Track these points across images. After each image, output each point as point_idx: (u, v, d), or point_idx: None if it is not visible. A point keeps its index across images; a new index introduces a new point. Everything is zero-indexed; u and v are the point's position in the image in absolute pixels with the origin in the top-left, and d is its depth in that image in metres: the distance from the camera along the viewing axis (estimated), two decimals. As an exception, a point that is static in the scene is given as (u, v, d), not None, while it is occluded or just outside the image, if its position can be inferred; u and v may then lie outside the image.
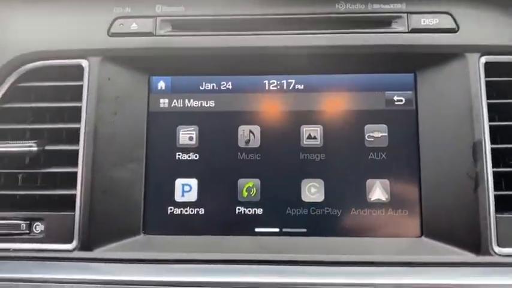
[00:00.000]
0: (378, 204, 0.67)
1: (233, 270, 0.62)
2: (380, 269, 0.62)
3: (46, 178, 0.69)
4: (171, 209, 0.68)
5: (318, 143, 0.69)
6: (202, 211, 0.68)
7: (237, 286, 0.60)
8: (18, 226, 0.67)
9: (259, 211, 0.68)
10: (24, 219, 0.67)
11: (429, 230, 0.65)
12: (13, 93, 0.70)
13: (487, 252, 0.62)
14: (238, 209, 0.68)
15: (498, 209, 0.63)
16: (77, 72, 0.69)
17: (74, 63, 0.69)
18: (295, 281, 0.60)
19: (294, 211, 0.68)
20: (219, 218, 0.68)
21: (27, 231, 0.67)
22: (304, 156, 0.69)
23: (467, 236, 0.63)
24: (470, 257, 0.62)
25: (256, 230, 0.68)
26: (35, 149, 0.67)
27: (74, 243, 0.65)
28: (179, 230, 0.68)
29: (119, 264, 0.64)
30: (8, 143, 0.68)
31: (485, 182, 0.63)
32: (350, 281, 0.60)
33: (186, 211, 0.68)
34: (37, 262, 0.65)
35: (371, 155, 0.68)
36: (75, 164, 0.67)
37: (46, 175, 0.69)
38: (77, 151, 0.67)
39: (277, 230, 0.68)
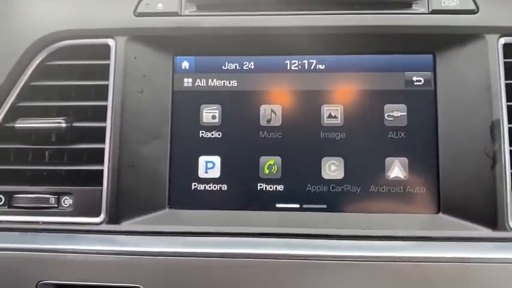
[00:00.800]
0: (397, 182, 0.69)
1: (253, 243, 0.64)
2: (398, 243, 0.64)
3: (73, 155, 0.71)
4: (195, 185, 0.70)
5: (339, 122, 0.70)
6: (225, 187, 0.70)
7: (257, 258, 0.62)
8: (47, 200, 0.69)
9: (280, 188, 0.70)
10: (53, 194, 0.69)
11: (447, 206, 0.67)
12: (41, 72, 0.72)
13: (504, 227, 0.64)
14: (260, 186, 0.70)
15: (515, 187, 0.65)
16: (103, 51, 0.71)
17: (101, 43, 0.71)
18: (315, 253, 0.62)
19: (314, 188, 0.70)
20: (241, 194, 0.70)
21: (56, 205, 0.69)
22: (324, 135, 0.70)
23: (484, 212, 0.65)
24: (486, 232, 0.64)
25: (277, 205, 0.70)
26: (63, 125, 0.69)
27: (102, 217, 0.67)
28: (203, 205, 0.70)
29: (144, 236, 0.66)
30: (37, 120, 0.70)
31: (503, 160, 0.65)
32: (369, 254, 0.62)
33: (210, 187, 0.70)
34: (66, 234, 0.67)
35: (390, 134, 0.69)
36: (102, 141, 0.69)
37: (73, 152, 0.71)
38: (104, 128, 0.69)
39: (297, 206, 0.70)
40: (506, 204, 0.64)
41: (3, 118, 0.71)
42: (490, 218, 0.64)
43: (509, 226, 0.64)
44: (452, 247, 0.63)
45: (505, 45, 0.68)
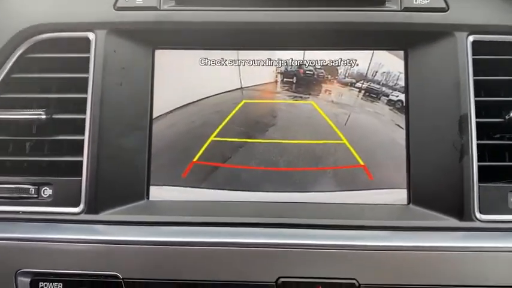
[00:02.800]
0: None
1: (230, 233, 0.66)
2: (370, 233, 0.66)
3: (53, 146, 0.72)
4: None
5: None
6: None
7: (234, 246, 0.64)
8: (27, 190, 0.70)
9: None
10: (33, 184, 0.70)
11: (416, 197, 0.69)
12: (21, 64, 0.73)
13: (470, 218, 0.66)
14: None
15: (481, 179, 0.67)
16: (84, 45, 0.72)
17: (81, 36, 0.72)
18: (290, 242, 0.64)
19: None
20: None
21: (36, 195, 0.70)
22: None
23: (451, 203, 0.67)
24: (454, 222, 0.67)
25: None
26: (43, 116, 0.70)
27: (81, 207, 0.69)
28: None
29: (122, 226, 0.67)
30: (18, 111, 0.71)
31: (470, 153, 0.67)
32: (342, 242, 0.64)
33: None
34: (45, 224, 0.68)
35: None
36: (82, 133, 0.70)
37: (53, 143, 0.72)
38: (83, 120, 0.70)
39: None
40: (473, 195, 0.67)
41: (-18, 110, 0.72)
42: (457, 208, 0.67)
43: (475, 216, 0.66)
44: (421, 236, 0.65)
45: (474, 43, 0.70)
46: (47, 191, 0.70)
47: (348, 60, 0.73)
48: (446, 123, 0.69)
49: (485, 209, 0.67)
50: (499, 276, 0.62)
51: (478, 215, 0.67)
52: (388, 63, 0.73)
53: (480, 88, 0.70)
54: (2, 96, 0.72)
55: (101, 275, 0.64)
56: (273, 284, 0.62)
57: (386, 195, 0.70)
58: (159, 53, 0.74)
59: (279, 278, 0.62)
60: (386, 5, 0.72)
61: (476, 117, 0.69)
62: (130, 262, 0.64)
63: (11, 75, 0.72)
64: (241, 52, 0.73)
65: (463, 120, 0.68)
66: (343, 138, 0.71)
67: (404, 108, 0.72)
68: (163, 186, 0.72)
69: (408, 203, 0.70)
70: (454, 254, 0.63)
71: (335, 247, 0.64)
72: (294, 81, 0.73)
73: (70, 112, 0.72)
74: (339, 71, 0.73)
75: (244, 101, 0.72)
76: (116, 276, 0.63)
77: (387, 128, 0.71)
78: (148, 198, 0.71)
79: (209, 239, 0.64)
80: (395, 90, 0.72)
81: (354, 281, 0.62)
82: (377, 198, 0.70)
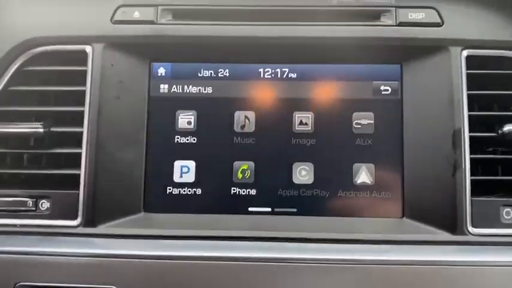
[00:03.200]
0: (363, 187, 0.72)
1: (226, 246, 0.67)
2: (364, 247, 0.67)
3: (50, 159, 0.73)
4: (170, 189, 0.73)
5: (309, 128, 0.73)
6: (199, 191, 0.73)
7: (230, 261, 0.65)
8: (24, 203, 0.70)
9: (253, 192, 0.72)
10: (30, 197, 0.71)
11: (410, 211, 0.70)
12: (19, 77, 0.73)
13: (462, 232, 0.67)
14: (233, 190, 0.73)
15: (474, 193, 0.68)
16: (81, 58, 0.72)
17: (78, 49, 0.72)
18: (285, 256, 0.65)
19: (285, 192, 0.72)
20: (215, 198, 0.73)
21: (33, 208, 0.71)
22: (295, 141, 0.73)
23: (444, 217, 0.68)
24: (447, 236, 0.68)
25: (250, 209, 0.72)
26: (41, 130, 0.71)
27: (79, 220, 0.69)
28: (177, 209, 0.72)
29: (120, 239, 0.68)
30: (15, 124, 0.71)
31: (463, 168, 0.68)
32: (336, 257, 0.65)
33: (184, 191, 0.73)
34: (43, 237, 0.69)
35: (358, 141, 0.72)
36: (79, 146, 0.71)
37: (50, 156, 0.72)
38: (81, 133, 0.71)
39: (269, 209, 0.72)
40: (465, 209, 0.68)
41: (-21, 124, 0.72)
42: (450, 222, 0.68)
43: (467, 230, 0.67)
44: (414, 250, 0.66)
45: (468, 57, 0.71)
46: (45, 204, 0.71)
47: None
48: (440, 138, 0.70)
49: (477, 222, 0.68)
50: (491, 291, 0.63)
51: (470, 228, 0.68)
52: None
53: (474, 102, 0.71)
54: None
55: (97, 288, 0.64)
56: (269, 299, 0.63)
57: (381, 208, 0.71)
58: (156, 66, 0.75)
59: (274, 293, 0.63)
60: (381, 19, 0.72)
61: (470, 131, 0.70)
62: (128, 276, 0.65)
63: (8, 88, 0.73)
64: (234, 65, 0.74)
65: (457, 135, 0.69)
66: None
67: (399, 123, 0.72)
68: (160, 199, 0.72)
69: (402, 217, 0.70)
70: (446, 268, 0.64)
71: (329, 261, 0.65)
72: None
73: (68, 125, 0.72)
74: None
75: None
76: (113, 290, 0.64)
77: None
78: (145, 211, 0.72)
79: (206, 253, 0.65)
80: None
81: (346, 294, 0.63)
82: (372, 211, 0.71)
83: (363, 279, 0.64)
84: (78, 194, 0.70)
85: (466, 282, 0.64)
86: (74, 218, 0.70)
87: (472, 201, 0.68)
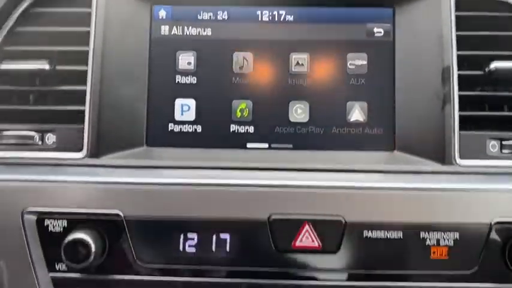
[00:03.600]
0: (356, 124, 0.75)
1: (225, 175, 0.70)
2: (358, 176, 0.70)
3: (56, 96, 0.75)
4: (171, 126, 0.76)
5: (305, 69, 0.76)
6: (199, 128, 0.76)
7: (228, 187, 0.67)
8: (31, 137, 0.73)
9: (251, 129, 0.76)
10: (37, 131, 0.74)
11: (401, 144, 0.73)
12: (25, 18, 0.76)
13: (451, 163, 0.71)
14: (232, 127, 0.76)
15: (462, 127, 0.71)
16: (85, 0, 0.75)
17: None
18: (282, 183, 0.68)
19: (281, 129, 0.76)
20: (215, 134, 0.76)
21: (40, 142, 0.74)
22: (292, 81, 0.76)
23: (434, 150, 0.72)
24: (436, 166, 0.71)
25: (248, 145, 0.75)
26: (47, 67, 0.73)
27: (84, 152, 0.72)
28: (178, 144, 0.75)
29: (123, 169, 0.71)
30: (22, 62, 0.74)
31: (452, 103, 0.71)
32: (330, 184, 0.68)
33: (185, 128, 0.76)
34: (49, 167, 0.72)
35: (352, 81, 0.76)
36: (84, 83, 0.74)
37: (56, 93, 0.75)
38: (85, 71, 0.74)
39: (266, 145, 0.75)
40: (454, 142, 0.71)
41: (-12, 62, 0.75)
42: (439, 154, 0.71)
43: (455, 161, 0.71)
44: (405, 178, 0.69)
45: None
46: (51, 138, 0.74)
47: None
48: (430, 76, 0.73)
49: (465, 154, 0.71)
50: (475, 214, 0.66)
51: (458, 160, 0.71)
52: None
53: (463, 43, 0.74)
54: (6, 48, 0.75)
55: (103, 214, 0.67)
56: (265, 220, 0.66)
57: (373, 142, 0.74)
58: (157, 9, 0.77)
59: (271, 215, 0.66)
60: (375, -38, 0.75)
61: (459, 70, 0.73)
62: (131, 201, 0.68)
63: (15, 29, 0.76)
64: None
65: (446, 72, 0.72)
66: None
67: (391, 62, 0.75)
68: (162, 135, 0.75)
69: (393, 150, 0.74)
70: (435, 194, 0.67)
71: (323, 187, 0.68)
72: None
73: (73, 64, 0.75)
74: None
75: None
76: (118, 215, 0.67)
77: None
78: (147, 145, 0.75)
79: (206, 180, 0.68)
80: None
81: (341, 218, 0.66)
82: (364, 146, 0.74)
83: (356, 205, 0.67)
84: (83, 128, 0.73)
85: (453, 206, 0.67)
86: (79, 150, 0.73)
87: (460, 135, 0.71)
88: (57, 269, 0.68)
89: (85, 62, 0.74)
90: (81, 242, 0.64)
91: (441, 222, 0.66)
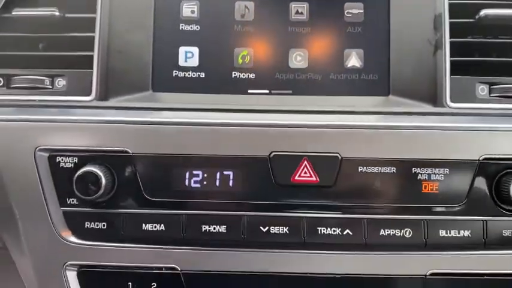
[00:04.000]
0: (353, 70, 0.78)
1: (227, 116, 0.73)
2: (354, 117, 0.74)
3: (65, 43, 0.78)
4: (175, 72, 0.79)
5: (304, 17, 0.79)
6: (202, 75, 0.79)
7: (230, 126, 0.71)
8: (42, 81, 0.77)
9: (252, 76, 0.79)
10: (47, 76, 0.77)
11: (395, 89, 0.77)
12: None
13: (442, 105, 0.75)
14: (234, 74, 0.79)
15: (453, 72, 0.75)
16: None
17: None
18: (282, 122, 0.71)
19: (281, 76, 0.79)
20: (218, 80, 0.79)
21: (50, 86, 0.77)
22: (292, 29, 0.79)
23: (426, 93, 0.75)
24: (428, 108, 0.75)
25: (249, 91, 0.79)
26: (57, 13, 0.76)
27: (92, 95, 0.76)
28: (183, 89, 0.78)
29: (130, 111, 0.75)
30: (32, 9, 0.77)
31: (443, 48, 0.75)
32: (328, 123, 0.71)
33: (189, 74, 0.79)
34: (60, 109, 0.75)
35: (349, 29, 0.79)
36: (93, 30, 0.77)
37: (65, 40, 0.78)
38: (94, 18, 0.77)
39: (267, 91, 0.79)
40: (445, 85, 0.75)
41: (1, 9, 0.78)
42: (431, 97, 0.75)
43: (446, 104, 0.74)
44: (399, 119, 0.73)
45: None
46: (61, 82, 0.77)
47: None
48: (423, 23, 0.77)
49: (455, 98, 0.75)
50: (464, 151, 0.70)
51: (449, 102, 0.75)
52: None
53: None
54: None
55: (112, 150, 0.71)
56: (266, 157, 0.70)
57: (369, 87, 0.78)
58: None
59: (272, 152, 0.70)
60: None
61: (450, 18, 0.76)
62: (139, 139, 0.71)
63: None
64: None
65: (438, 19, 0.76)
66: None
67: (386, 11, 0.78)
68: (167, 80, 0.79)
69: (388, 94, 0.77)
70: (426, 132, 0.71)
71: (321, 126, 0.71)
72: None
73: (81, 12, 0.78)
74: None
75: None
76: (126, 151, 0.71)
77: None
78: (153, 90, 0.78)
79: (210, 120, 0.72)
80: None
81: (337, 155, 0.70)
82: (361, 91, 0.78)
83: (352, 142, 0.71)
84: (92, 72, 0.76)
85: (444, 144, 0.71)
86: (88, 94, 0.76)
87: (451, 79, 0.75)
88: (69, 203, 0.71)
89: (93, 10, 0.77)
90: (92, 175, 0.68)
91: (432, 159, 0.70)
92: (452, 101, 0.75)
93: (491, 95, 0.76)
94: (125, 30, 0.78)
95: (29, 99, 0.76)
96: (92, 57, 0.76)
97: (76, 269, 0.72)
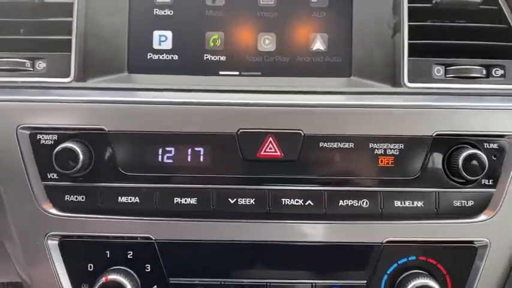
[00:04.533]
0: (318, 53, 0.83)
1: (199, 96, 0.78)
2: (317, 96, 0.78)
3: (45, 27, 0.82)
4: (150, 55, 0.83)
5: (272, 3, 0.84)
6: (176, 57, 0.84)
7: (201, 105, 0.76)
8: (23, 63, 0.81)
9: (223, 58, 0.84)
10: (28, 59, 0.81)
11: (357, 70, 0.82)
12: None
13: (400, 85, 0.80)
14: (206, 56, 0.84)
15: (411, 54, 0.80)
16: None
17: None
18: (249, 102, 0.76)
19: (251, 58, 0.84)
20: (190, 63, 0.84)
21: (31, 69, 0.81)
22: (260, 13, 0.84)
23: (385, 74, 0.80)
24: (387, 88, 0.80)
25: (221, 72, 0.84)
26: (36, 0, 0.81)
27: (71, 77, 0.80)
28: (157, 71, 0.83)
29: (107, 91, 0.79)
30: (13, -6, 0.81)
31: (401, 31, 0.80)
32: (292, 102, 0.76)
33: (163, 57, 0.84)
34: (41, 90, 0.80)
35: (314, 14, 0.83)
36: (70, 15, 0.81)
37: (45, 25, 0.82)
38: (71, 4, 0.81)
39: (237, 73, 0.84)
40: (403, 67, 0.79)
41: (-17, -5, 0.82)
42: (390, 77, 0.80)
43: (404, 83, 0.79)
44: (360, 98, 0.78)
45: None
46: (41, 65, 0.81)
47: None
48: (384, 8, 0.81)
49: (413, 78, 0.80)
50: (418, 127, 0.75)
51: (406, 83, 0.80)
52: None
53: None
54: None
55: (88, 128, 0.75)
56: (234, 134, 0.75)
57: (333, 69, 0.83)
58: None
59: (239, 129, 0.75)
60: None
61: (409, 3, 0.81)
62: (114, 118, 0.75)
63: None
64: None
65: (397, 4, 0.80)
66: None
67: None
68: (142, 63, 0.83)
69: (350, 76, 0.82)
70: (383, 110, 0.76)
71: (286, 105, 0.76)
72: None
73: None
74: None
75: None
76: (102, 129, 0.75)
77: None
78: (129, 72, 0.83)
79: (182, 99, 0.76)
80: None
81: (300, 131, 0.75)
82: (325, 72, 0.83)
83: (314, 120, 0.75)
84: (70, 55, 0.80)
85: (399, 121, 0.76)
86: (67, 75, 0.80)
87: (408, 60, 0.80)
88: (49, 177, 0.76)
89: None
90: (71, 150, 0.72)
91: (388, 135, 0.75)
92: (409, 81, 0.80)
93: (447, 75, 0.81)
94: (102, 15, 0.82)
95: (11, 80, 0.81)
96: (70, 40, 0.80)
97: (57, 239, 0.77)
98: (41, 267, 0.78)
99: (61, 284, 0.77)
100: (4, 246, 0.82)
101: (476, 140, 0.75)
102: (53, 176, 0.76)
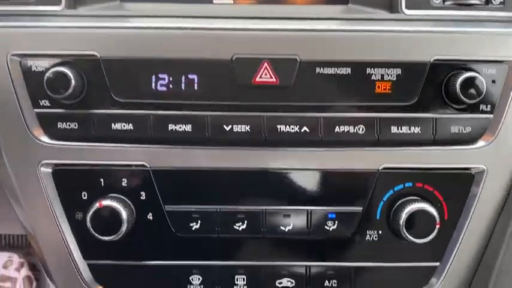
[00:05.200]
0: None
1: (192, 22, 0.76)
2: (315, 22, 0.76)
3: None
4: None
5: None
6: None
7: (195, 30, 0.74)
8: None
9: None
10: None
11: (354, -2, 0.80)
12: None
13: (397, 11, 0.78)
14: None
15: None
16: None
17: None
18: (243, 27, 0.75)
19: None
20: None
21: (21, -5, 0.79)
22: None
23: (384, 1, 0.79)
24: (385, 14, 0.78)
25: (214, 1, 0.82)
26: None
27: (62, 5, 0.78)
28: (150, -1, 0.82)
29: (99, 18, 0.77)
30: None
31: None
32: (288, 27, 0.75)
33: None
34: (32, 17, 0.78)
35: None
36: None
37: None
38: None
39: (231, 1, 0.82)
40: None
41: None
42: (388, 4, 0.79)
43: (401, 10, 0.78)
44: (356, 24, 0.77)
45: None
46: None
47: None
48: None
49: (410, 5, 0.78)
50: (416, 53, 0.74)
51: (404, 9, 0.78)
52: None
53: None
54: None
55: (80, 54, 0.74)
56: (229, 60, 0.74)
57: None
58: None
59: (234, 55, 0.74)
60: None
61: None
62: (106, 43, 0.74)
63: None
64: None
65: None
66: None
67: None
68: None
69: (347, 3, 0.81)
70: (380, 35, 0.75)
71: (281, 30, 0.74)
72: None
73: None
74: None
75: None
76: (94, 55, 0.74)
77: None
78: (120, 0, 0.81)
79: (175, 24, 0.75)
80: None
81: (296, 57, 0.74)
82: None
83: (310, 45, 0.74)
84: None
85: (397, 46, 0.74)
86: (58, 3, 0.78)
87: None
88: (41, 104, 0.75)
89: None
90: (62, 74, 0.71)
91: (385, 60, 0.74)
92: (407, 7, 0.78)
93: (446, 3, 0.79)
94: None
95: (1, 9, 0.79)
96: None
97: (51, 168, 0.76)
98: (35, 197, 0.77)
99: (55, 213, 0.77)
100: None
101: (474, 66, 0.74)
102: (44, 103, 0.75)
